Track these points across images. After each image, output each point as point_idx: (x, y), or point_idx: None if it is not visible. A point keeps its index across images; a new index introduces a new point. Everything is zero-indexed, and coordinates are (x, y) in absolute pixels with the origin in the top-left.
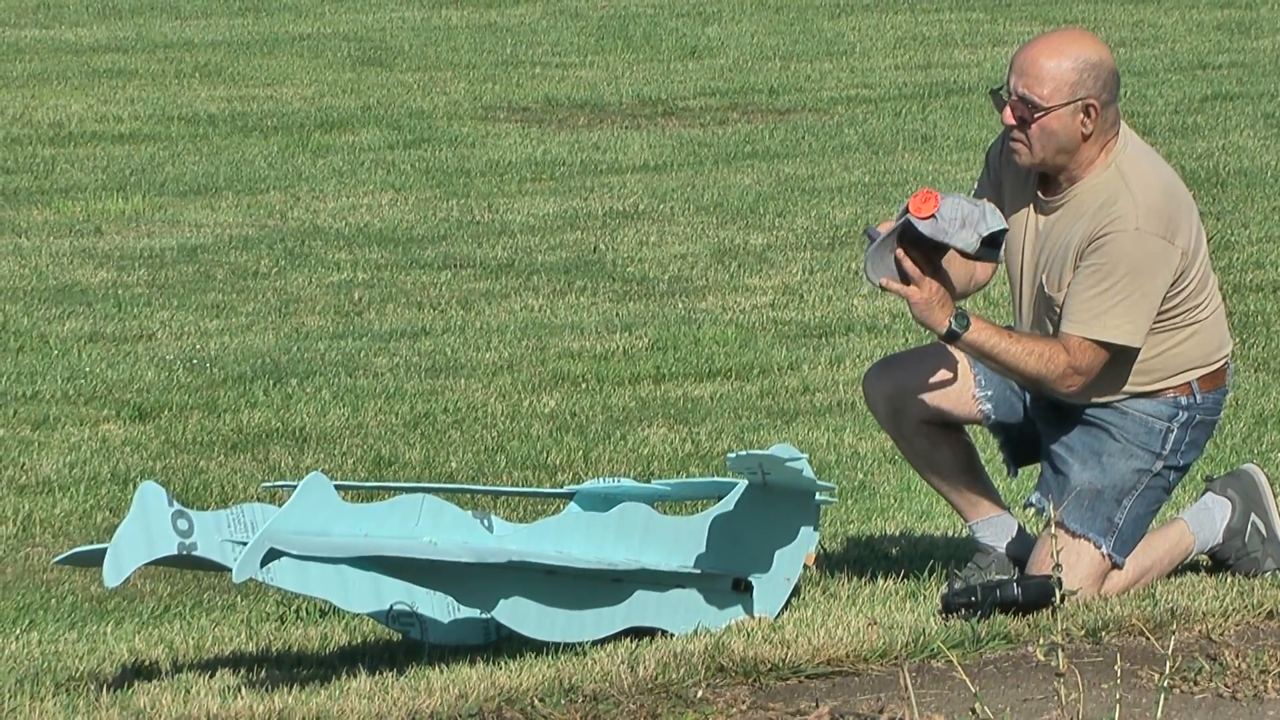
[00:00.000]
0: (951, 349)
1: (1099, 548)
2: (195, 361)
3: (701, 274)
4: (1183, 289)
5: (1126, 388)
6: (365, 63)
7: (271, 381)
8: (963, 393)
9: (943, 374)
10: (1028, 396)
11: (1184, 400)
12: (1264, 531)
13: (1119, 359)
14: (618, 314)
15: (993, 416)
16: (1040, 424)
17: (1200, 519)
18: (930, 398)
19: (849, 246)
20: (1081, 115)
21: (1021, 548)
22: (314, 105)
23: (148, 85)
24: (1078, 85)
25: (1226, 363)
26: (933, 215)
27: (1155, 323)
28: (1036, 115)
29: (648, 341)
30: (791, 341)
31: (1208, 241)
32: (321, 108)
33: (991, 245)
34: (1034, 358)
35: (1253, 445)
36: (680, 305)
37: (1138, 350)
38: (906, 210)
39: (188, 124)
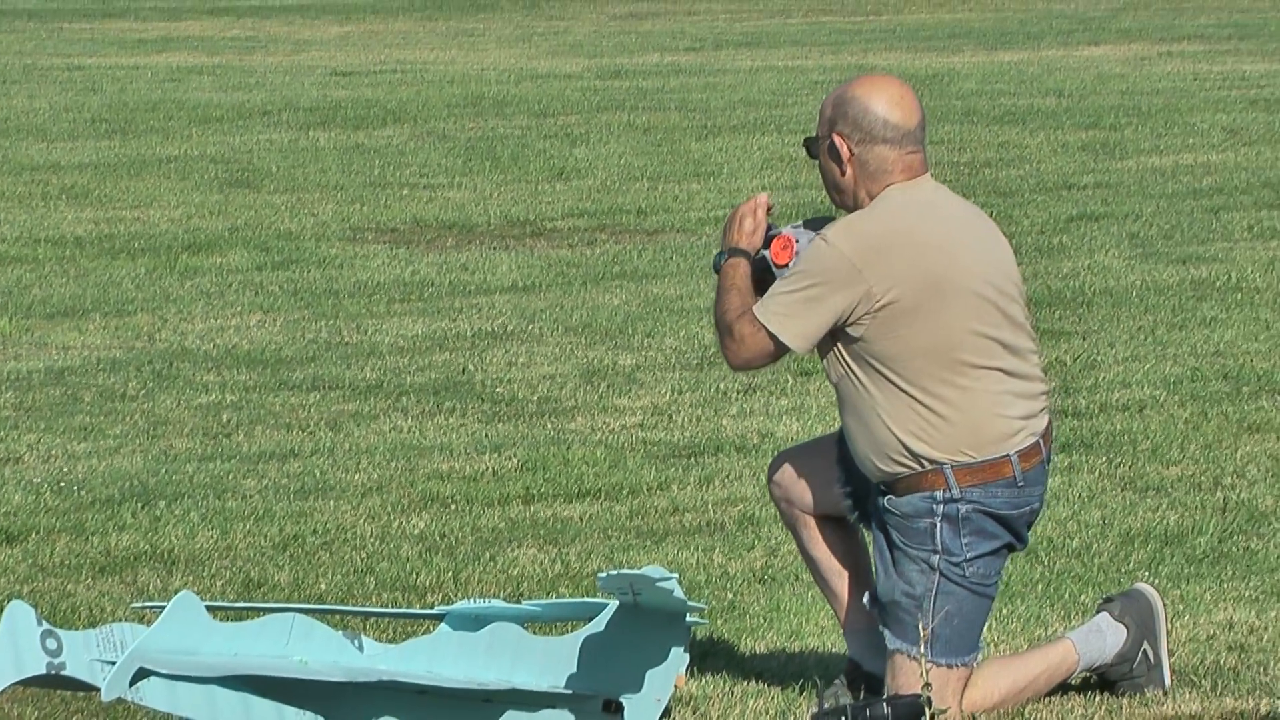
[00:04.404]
0: None
1: (914, 658)
2: (63, 484)
3: (570, 394)
4: (888, 348)
5: (877, 459)
6: (233, 184)
7: (140, 504)
8: (829, 484)
9: (816, 465)
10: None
11: (939, 494)
12: (1151, 658)
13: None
14: (487, 435)
15: (855, 512)
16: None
17: (1090, 639)
18: (806, 487)
19: (718, 367)
20: (831, 151)
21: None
22: (182, 227)
23: (14, 207)
24: (828, 121)
25: (1005, 460)
26: (788, 264)
27: (864, 375)
28: (814, 154)
29: (517, 462)
30: (661, 462)
31: (1072, 361)
32: (189, 229)
33: None
34: (727, 312)
35: (1120, 564)
36: (549, 426)
37: (784, 351)
38: (767, 247)
39: (55, 246)
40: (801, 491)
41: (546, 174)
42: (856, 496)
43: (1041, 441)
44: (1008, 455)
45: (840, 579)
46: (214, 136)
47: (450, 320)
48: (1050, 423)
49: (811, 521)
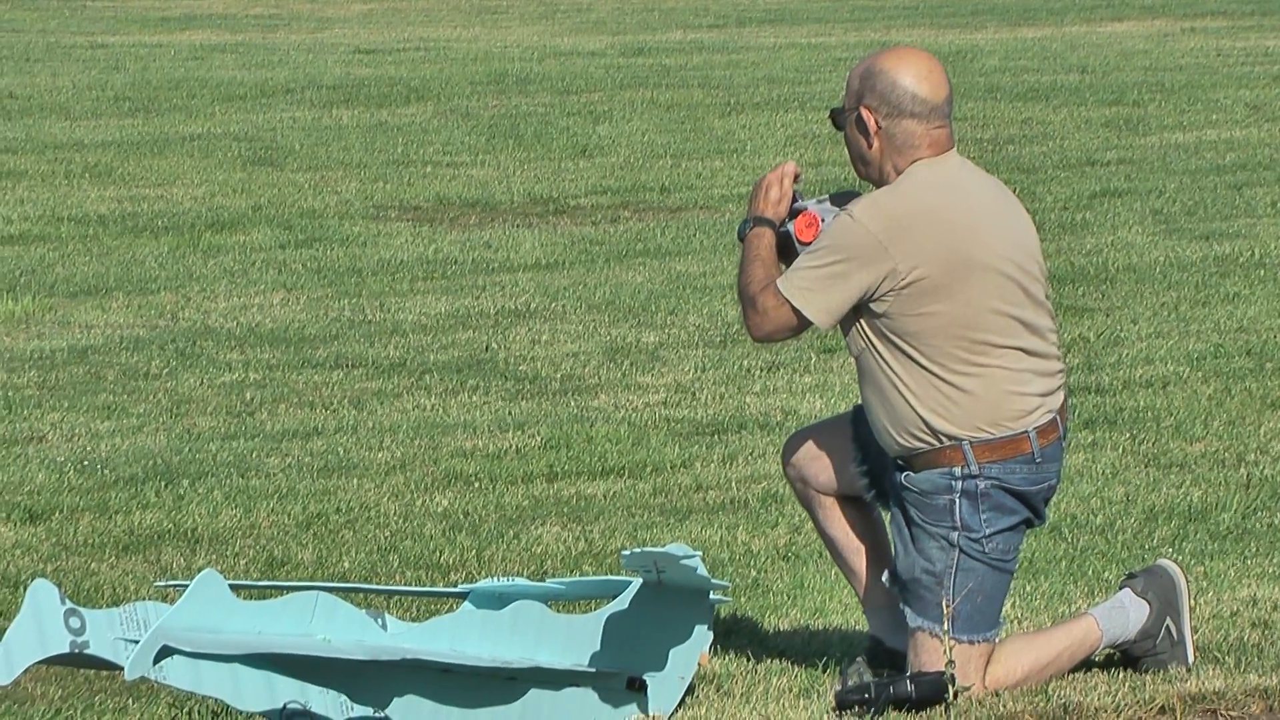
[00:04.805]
0: None
1: (936, 635)
2: (86, 463)
3: (594, 372)
4: (911, 325)
5: (896, 433)
6: (256, 162)
7: (163, 483)
8: (845, 463)
9: (831, 444)
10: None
11: (958, 470)
12: (1175, 635)
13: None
14: (510, 413)
15: (872, 490)
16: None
17: (1113, 616)
18: (822, 467)
19: (741, 344)
20: (858, 124)
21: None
22: (205, 205)
23: (37, 186)
24: (856, 93)
25: (1024, 437)
26: (812, 241)
27: (885, 349)
28: (840, 125)
29: (540, 440)
30: (684, 439)
31: (1096, 337)
32: (212, 208)
33: None
34: (751, 284)
35: (1143, 540)
36: (573, 404)
37: (807, 325)
38: (792, 220)
39: (78, 225)
40: (817, 471)
41: (569, 151)
42: (872, 474)
43: (1059, 418)
44: (1026, 432)
45: (858, 557)
46: (237, 114)
47: (473, 298)
48: (1066, 399)
49: (828, 501)
